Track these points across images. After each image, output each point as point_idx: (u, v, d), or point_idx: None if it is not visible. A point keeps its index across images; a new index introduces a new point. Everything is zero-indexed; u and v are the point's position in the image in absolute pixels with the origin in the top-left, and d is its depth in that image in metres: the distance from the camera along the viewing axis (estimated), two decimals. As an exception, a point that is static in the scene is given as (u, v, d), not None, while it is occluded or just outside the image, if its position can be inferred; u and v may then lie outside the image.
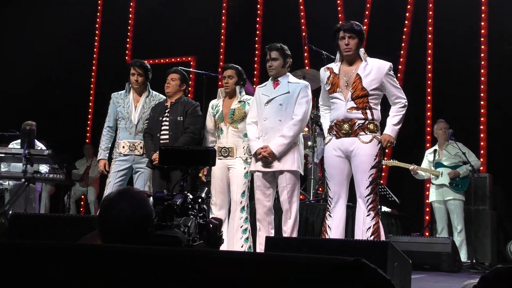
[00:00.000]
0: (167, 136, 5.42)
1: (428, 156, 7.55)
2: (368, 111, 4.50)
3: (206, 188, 2.68)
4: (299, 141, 5.01)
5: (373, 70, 4.53)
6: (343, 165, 4.56)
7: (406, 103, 4.64)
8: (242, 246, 5.10)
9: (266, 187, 4.99)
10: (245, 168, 5.20)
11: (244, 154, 5.22)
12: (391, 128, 4.56)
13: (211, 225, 2.45)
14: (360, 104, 4.49)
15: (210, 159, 2.65)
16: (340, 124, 4.52)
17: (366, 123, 4.48)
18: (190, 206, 2.42)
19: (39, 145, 7.72)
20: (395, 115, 4.60)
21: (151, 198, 2.36)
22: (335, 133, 4.56)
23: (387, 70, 4.55)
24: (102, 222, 2.18)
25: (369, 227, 4.42)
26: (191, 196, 2.47)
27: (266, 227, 4.98)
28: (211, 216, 5.11)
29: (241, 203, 5.17)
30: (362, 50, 4.61)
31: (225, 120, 5.30)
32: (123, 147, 5.70)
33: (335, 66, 4.68)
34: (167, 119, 5.47)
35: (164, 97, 5.70)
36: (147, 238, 2.16)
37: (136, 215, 2.15)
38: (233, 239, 5.15)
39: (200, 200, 2.50)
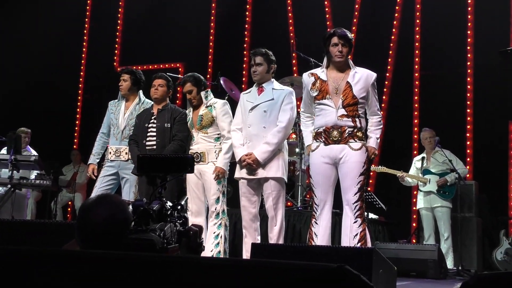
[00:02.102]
0: (154, 143, 5.41)
1: (416, 163, 7.59)
2: (357, 119, 4.53)
3: (187, 197, 2.71)
4: (283, 148, 5.01)
5: (362, 78, 4.57)
6: (330, 172, 4.57)
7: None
8: (211, 251, 5.08)
9: (251, 194, 4.99)
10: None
11: (216, 159, 5.22)
12: (376, 141, 4.65)
13: (191, 232, 2.46)
14: (351, 112, 4.51)
15: (188, 166, 2.68)
16: (329, 131, 4.53)
17: (355, 131, 4.51)
18: (168, 213, 2.44)
19: (33, 151, 7.77)
20: (377, 128, 4.68)
21: (130, 206, 2.38)
22: (323, 140, 4.56)
23: (373, 80, 4.62)
24: (80, 226, 2.19)
25: (356, 234, 4.43)
26: (170, 203, 2.49)
27: (252, 234, 4.98)
28: (191, 223, 5.15)
29: (215, 209, 5.18)
30: (349, 58, 4.66)
31: (195, 127, 5.32)
32: (110, 152, 5.72)
33: (321, 72, 4.67)
34: (154, 125, 5.46)
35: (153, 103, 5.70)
36: (123, 242, 2.17)
37: (114, 219, 2.17)
38: (206, 244, 5.15)
39: (179, 207, 2.52)
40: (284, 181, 4.98)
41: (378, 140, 4.69)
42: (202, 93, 5.36)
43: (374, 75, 4.64)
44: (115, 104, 5.93)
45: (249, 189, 4.98)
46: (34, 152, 7.86)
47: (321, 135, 4.58)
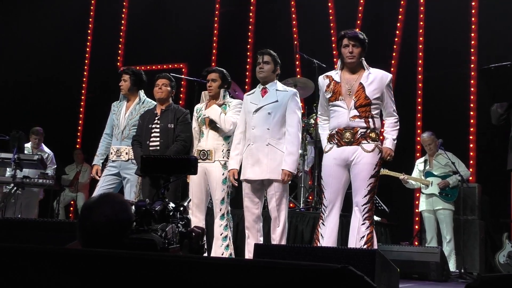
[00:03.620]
0: (157, 143, 5.41)
1: (419, 165, 7.58)
2: (370, 119, 4.51)
3: (190, 198, 2.71)
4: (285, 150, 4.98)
5: (376, 79, 4.56)
6: (342, 174, 4.56)
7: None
8: (222, 254, 5.08)
9: (254, 195, 4.99)
10: (223, 174, 5.19)
11: (223, 158, 5.22)
12: (392, 142, 4.66)
13: (193, 234, 2.46)
14: (363, 113, 4.50)
15: (191, 168, 2.68)
16: (342, 133, 4.53)
17: (368, 131, 4.50)
18: (171, 214, 2.44)
19: (47, 151, 7.87)
20: (393, 129, 4.70)
21: (133, 206, 2.38)
22: (336, 141, 4.55)
23: (388, 81, 4.62)
24: (82, 225, 2.19)
25: (363, 236, 4.41)
26: (172, 204, 2.49)
27: (255, 235, 4.98)
28: (193, 224, 5.17)
29: (220, 210, 5.17)
30: (363, 59, 4.64)
31: (206, 123, 5.32)
32: (112, 153, 5.73)
33: (335, 74, 4.67)
34: (157, 126, 5.46)
35: (155, 104, 5.70)
36: (124, 241, 2.17)
37: (116, 219, 2.16)
38: (214, 247, 5.16)
39: (182, 208, 2.52)
40: (286, 184, 4.97)
41: (395, 141, 4.68)
42: (222, 90, 5.36)
43: (389, 76, 4.65)
44: (117, 105, 5.95)
45: (253, 190, 4.98)
46: (48, 151, 7.98)
47: (334, 137, 4.58)
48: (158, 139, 5.42)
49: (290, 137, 4.91)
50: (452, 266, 6.86)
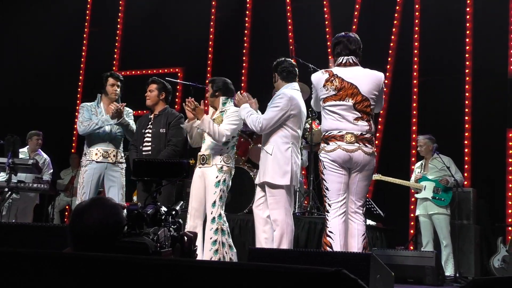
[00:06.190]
0: (149, 148, 5.41)
1: (416, 170, 7.59)
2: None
3: (182, 202, 2.70)
4: (272, 152, 4.89)
5: None
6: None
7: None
8: (211, 259, 4.99)
9: (258, 197, 5.01)
10: (217, 177, 5.14)
11: (220, 162, 5.18)
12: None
13: (185, 238, 2.46)
14: None
15: (183, 171, 2.68)
16: None
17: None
18: (163, 218, 2.44)
19: (44, 156, 7.88)
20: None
21: (125, 210, 2.39)
22: None
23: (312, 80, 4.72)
24: (72, 228, 2.19)
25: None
26: (164, 208, 2.50)
27: (259, 238, 4.98)
28: (186, 228, 5.15)
29: (211, 213, 5.11)
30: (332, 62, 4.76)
31: None
32: (96, 154, 5.70)
33: None
34: (150, 131, 5.46)
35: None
36: (116, 245, 2.17)
37: (108, 222, 2.17)
38: (204, 251, 5.10)
39: (174, 212, 2.52)
40: (277, 186, 4.84)
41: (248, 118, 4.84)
42: (222, 98, 5.35)
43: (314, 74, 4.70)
44: (93, 107, 5.92)
45: (258, 192, 5.03)
46: (45, 156, 8.00)
47: None
48: (149, 144, 5.42)
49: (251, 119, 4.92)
50: (450, 270, 6.86)
